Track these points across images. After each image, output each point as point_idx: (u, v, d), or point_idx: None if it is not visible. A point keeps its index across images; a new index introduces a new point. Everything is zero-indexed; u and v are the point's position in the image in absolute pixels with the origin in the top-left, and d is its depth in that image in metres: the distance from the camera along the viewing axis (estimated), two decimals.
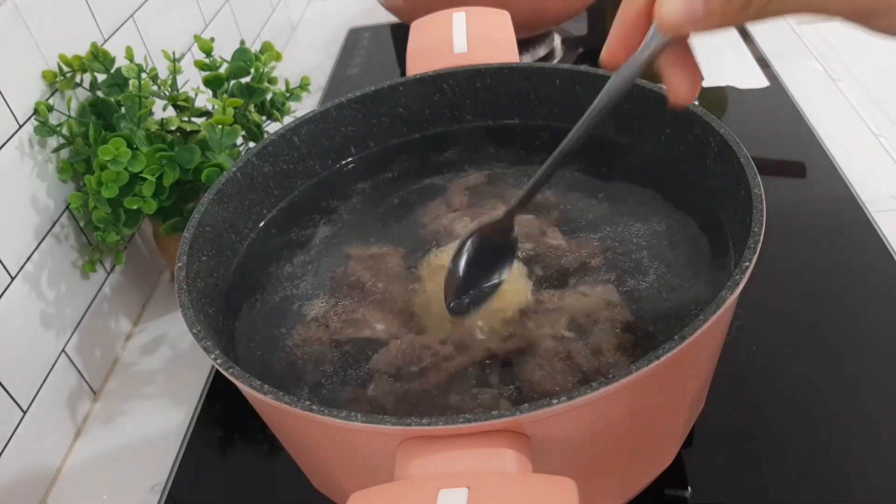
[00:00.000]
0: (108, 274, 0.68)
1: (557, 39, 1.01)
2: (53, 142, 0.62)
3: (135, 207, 0.60)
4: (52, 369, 0.59)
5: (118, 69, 0.63)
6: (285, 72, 0.79)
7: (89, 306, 0.65)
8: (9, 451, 0.54)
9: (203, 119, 0.64)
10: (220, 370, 0.37)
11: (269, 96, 0.68)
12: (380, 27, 1.17)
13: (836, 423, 0.51)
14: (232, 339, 0.46)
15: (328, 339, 0.45)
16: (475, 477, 0.30)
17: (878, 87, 0.84)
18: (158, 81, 0.64)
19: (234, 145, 0.62)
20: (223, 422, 0.60)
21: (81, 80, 0.63)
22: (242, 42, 0.68)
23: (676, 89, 0.34)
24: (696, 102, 0.48)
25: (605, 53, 0.34)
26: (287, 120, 0.69)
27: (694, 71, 0.34)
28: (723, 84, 0.87)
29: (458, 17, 0.61)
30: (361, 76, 1.05)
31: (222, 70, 0.66)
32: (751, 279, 0.36)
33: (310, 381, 0.43)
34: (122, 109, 0.62)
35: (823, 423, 0.51)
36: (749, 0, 0.29)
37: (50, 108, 0.60)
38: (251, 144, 0.68)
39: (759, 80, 0.87)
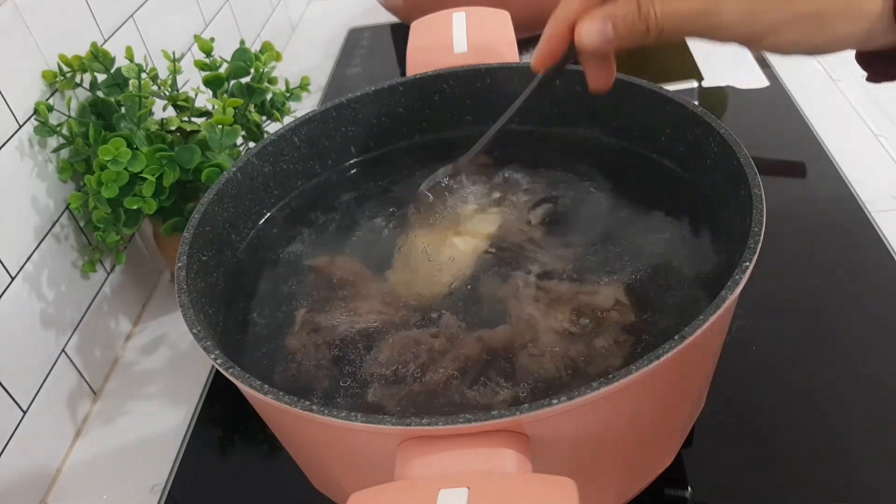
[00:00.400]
0: (108, 274, 0.68)
1: None
2: (53, 142, 0.62)
3: (135, 207, 0.60)
4: (52, 369, 0.59)
5: (118, 69, 0.63)
6: (285, 72, 0.79)
7: (89, 306, 0.65)
8: (9, 451, 0.54)
9: (203, 119, 0.64)
10: (220, 370, 0.37)
11: (269, 96, 0.68)
12: (380, 27, 1.17)
13: (836, 423, 0.51)
14: (232, 339, 0.46)
15: (328, 336, 0.45)
16: (475, 477, 0.30)
17: (878, 87, 0.83)
18: (158, 81, 0.64)
19: (234, 145, 0.62)
20: (223, 422, 0.60)
21: (81, 80, 0.63)
22: (242, 42, 0.68)
23: (595, 80, 0.43)
24: (697, 102, 0.48)
25: (535, 61, 0.42)
26: (287, 120, 0.69)
27: (609, 66, 0.42)
28: (723, 84, 0.87)
29: (458, 17, 0.61)
30: (361, 76, 1.05)
31: (222, 70, 0.66)
32: (751, 279, 0.36)
33: (310, 380, 0.43)
34: (122, 109, 0.62)
35: (824, 423, 0.51)
36: (646, 29, 0.37)
37: (50, 108, 0.60)
38: (251, 144, 0.68)
39: (759, 80, 0.87)
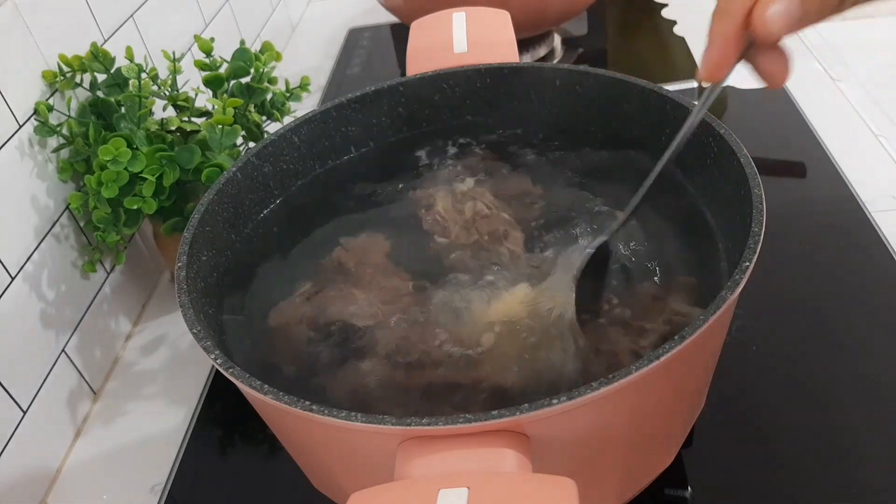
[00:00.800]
0: (108, 274, 0.68)
1: (557, 39, 1.01)
2: (53, 142, 0.62)
3: (135, 207, 0.60)
4: (52, 369, 0.59)
5: (118, 69, 0.63)
6: (285, 72, 0.79)
7: (89, 306, 0.65)
8: (9, 451, 0.54)
9: (203, 119, 0.64)
10: (220, 370, 0.37)
11: (269, 96, 0.68)
12: (380, 27, 1.17)
13: (836, 423, 0.51)
14: (232, 340, 0.46)
15: (330, 337, 0.45)
16: (475, 477, 0.30)
17: (878, 87, 0.84)
18: (158, 81, 0.64)
19: (234, 145, 0.62)
20: (223, 422, 0.60)
21: (81, 80, 0.63)
22: (242, 42, 0.68)
23: (773, 76, 0.37)
24: (697, 102, 0.48)
25: (709, 69, 0.36)
26: (287, 120, 0.69)
27: (783, 53, 0.36)
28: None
29: (458, 17, 0.61)
30: (361, 76, 1.05)
31: (222, 70, 0.66)
32: (750, 279, 0.36)
33: (310, 379, 0.43)
34: (122, 109, 0.62)
35: (824, 423, 0.51)
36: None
37: (50, 108, 0.60)
38: (251, 144, 0.68)
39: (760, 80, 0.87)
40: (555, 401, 0.32)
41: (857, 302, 0.60)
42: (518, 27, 0.62)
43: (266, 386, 0.35)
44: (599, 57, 1.00)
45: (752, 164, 0.42)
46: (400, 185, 0.56)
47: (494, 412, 0.32)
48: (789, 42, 0.35)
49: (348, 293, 0.48)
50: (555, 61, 0.99)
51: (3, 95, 0.56)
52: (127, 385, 0.66)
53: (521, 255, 0.48)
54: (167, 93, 0.64)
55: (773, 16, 0.32)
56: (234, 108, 0.61)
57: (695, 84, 0.88)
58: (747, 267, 0.36)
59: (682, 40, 0.98)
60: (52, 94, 0.62)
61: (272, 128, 0.63)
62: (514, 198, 0.53)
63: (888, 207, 0.68)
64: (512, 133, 0.59)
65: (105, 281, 0.68)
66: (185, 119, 0.65)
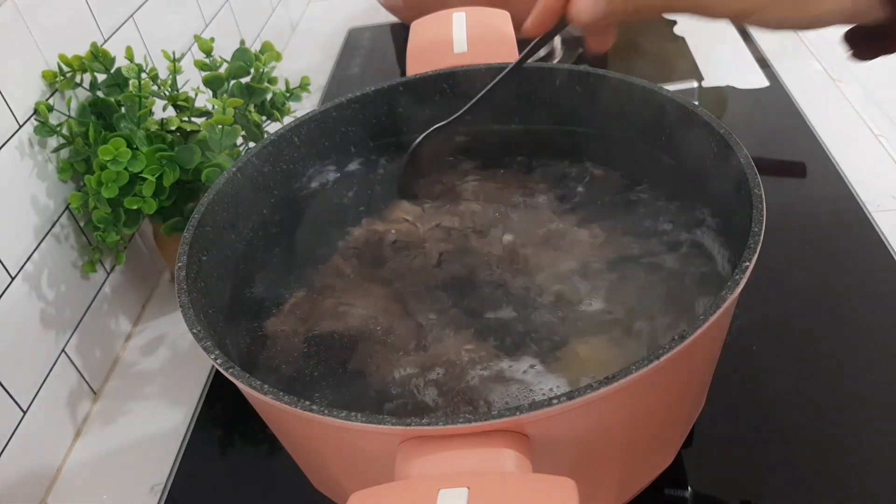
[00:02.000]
0: (108, 274, 0.68)
1: (557, 39, 1.01)
2: (53, 142, 0.62)
3: (135, 207, 0.60)
4: (52, 369, 0.59)
5: (118, 69, 0.63)
6: (285, 72, 0.79)
7: (89, 306, 0.65)
8: (9, 451, 0.54)
9: (203, 119, 0.64)
10: (220, 370, 0.37)
11: (269, 96, 0.68)
12: (380, 27, 1.17)
13: (836, 423, 0.51)
14: (232, 339, 0.46)
15: (329, 338, 0.45)
16: (475, 477, 0.30)
17: (878, 87, 0.84)
18: (158, 81, 0.64)
19: (234, 145, 0.62)
20: (223, 422, 0.60)
21: (81, 80, 0.63)
22: (242, 42, 0.68)
23: (592, 46, 0.45)
24: (697, 102, 0.48)
25: (530, 27, 0.45)
26: (287, 120, 0.69)
27: (607, 34, 0.44)
28: (723, 84, 0.87)
29: (458, 17, 0.61)
30: (361, 76, 1.05)
31: (222, 70, 0.66)
32: (750, 279, 0.36)
33: (310, 379, 0.43)
34: (122, 109, 0.62)
35: (823, 423, 0.51)
36: (636, 7, 0.38)
37: (50, 108, 0.60)
38: (251, 144, 0.68)
39: (759, 80, 0.87)
40: (554, 401, 0.32)
41: (857, 302, 0.60)
42: (518, 27, 0.61)
43: (266, 386, 0.35)
44: (599, 57, 1.00)
45: (752, 164, 0.42)
46: (400, 187, 0.56)
47: (494, 412, 0.32)
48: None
49: (347, 295, 0.48)
50: (555, 61, 0.99)
51: (3, 95, 0.56)
52: (127, 385, 0.66)
53: (519, 259, 0.48)
54: (167, 93, 0.64)
55: (579, 9, 0.40)
56: (234, 108, 0.61)
57: (694, 84, 0.88)
58: (747, 267, 0.36)
59: (682, 40, 0.98)
60: (52, 94, 0.62)
61: (272, 128, 0.63)
62: (516, 200, 0.53)
63: (888, 207, 0.68)
64: (512, 133, 0.59)
65: (105, 281, 0.68)
66: (185, 119, 0.65)
